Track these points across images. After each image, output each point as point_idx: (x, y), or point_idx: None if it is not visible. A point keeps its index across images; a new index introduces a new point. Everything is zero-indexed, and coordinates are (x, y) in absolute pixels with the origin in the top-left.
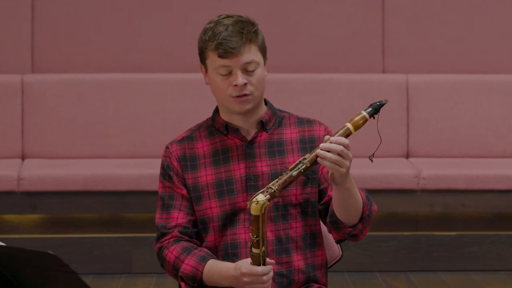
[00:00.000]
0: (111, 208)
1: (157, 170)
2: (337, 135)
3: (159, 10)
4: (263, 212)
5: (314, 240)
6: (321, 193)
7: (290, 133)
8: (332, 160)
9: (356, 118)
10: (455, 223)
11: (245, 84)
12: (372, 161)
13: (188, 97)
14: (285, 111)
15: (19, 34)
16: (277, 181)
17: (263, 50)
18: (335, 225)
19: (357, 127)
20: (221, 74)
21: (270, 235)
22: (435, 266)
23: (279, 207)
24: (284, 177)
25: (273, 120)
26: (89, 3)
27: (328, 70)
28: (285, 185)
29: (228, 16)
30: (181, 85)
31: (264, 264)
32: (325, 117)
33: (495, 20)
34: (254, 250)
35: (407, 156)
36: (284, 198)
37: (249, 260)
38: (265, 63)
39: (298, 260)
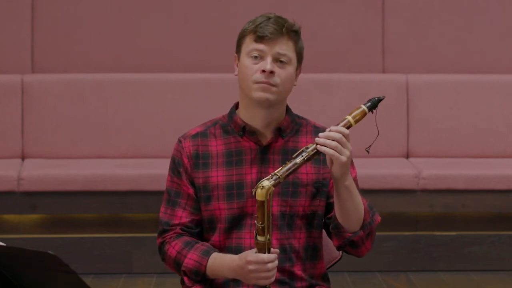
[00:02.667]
0: (111, 208)
1: (157, 170)
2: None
3: (159, 10)
4: (268, 197)
5: (315, 253)
6: (329, 206)
7: (306, 142)
8: (331, 146)
9: (356, 112)
10: (455, 223)
11: (272, 72)
12: (368, 152)
13: (188, 97)
14: (303, 118)
15: (19, 34)
16: (281, 169)
17: (299, 56)
18: (336, 229)
19: (356, 120)
20: (253, 57)
21: (275, 243)
22: (435, 266)
23: (286, 216)
24: (289, 164)
25: (291, 127)
26: (89, 3)
27: (328, 70)
28: (289, 172)
29: (273, 13)
30: (181, 85)
31: (269, 251)
32: (325, 117)
33: (495, 20)
34: (259, 237)
35: (407, 156)
36: (292, 208)
37: (254, 250)
38: (297, 71)
39: (299, 270)
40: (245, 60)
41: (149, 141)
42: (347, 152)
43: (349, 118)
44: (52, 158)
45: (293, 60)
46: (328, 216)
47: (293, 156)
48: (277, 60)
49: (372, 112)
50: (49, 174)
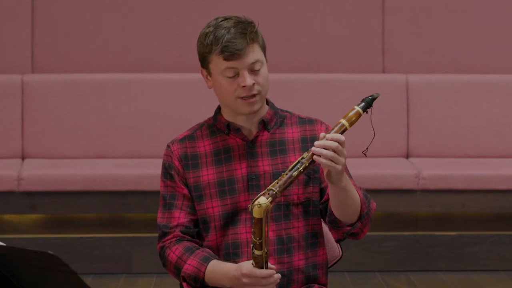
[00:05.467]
0: (111, 208)
1: (157, 170)
2: (332, 132)
3: (159, 10)
4: (265, 214)
5: (315, 240)
6: (322, 192)
7: (291, 133)
8: (327, 157)
9: (350, 114)
10: (455, 223)
11: (253, 84)
12: (365, 155)
13: (188, 97)
14: (286, 111)
15: (19, 34)
16: (277, 182)
17: (264, 49)
18: (334, 224)
19: (351, 122)
20: (228, 77)
21: (271, 235)
22: (435, 266)
23: (281, 207)
24: (284, 177)
25: (275, 119)
26: (89, 3)
27: (328, 70)
28: (286, 186)
29: (226, 19)
30: (181, 85)
31: (266, 265)
32: (325, 117)
33: (495, 20)
34: (256, 252)
35: (407, 156)
36: (286, 198)
37: (250, 261)
38: (266, 61)
39: (299, 260)
40: (221, 80)
41: (149, 141)
42: (342, 160)
43: (344, 121)
44: (52, 158)
45: (263, 59)
46: (322, 201)
47: (289, 168)
48: (252, 70)
49: (367, 112)
50: (49, 174)
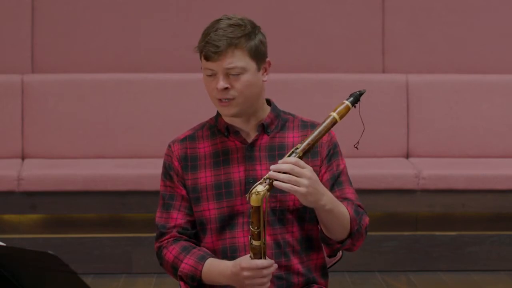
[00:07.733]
0: (111, 208)
1: (157, 170)
2: (323, 125)
3: (159, 10)
4: (263, 202)
5: (311, 244)
6: None
7: (292, 137)
8: (285, 180)
9: (340, 108)
10: (455, 223)
11: (227, 88)
12: (357, 148)
13: (188, 97)
14: (289, 114)
15: (19, 34)
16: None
17: (256, 55)
18: (324, 241)
19: (341, 116)
20: (207, 75)
21: (268, 239)
22: (435, 266)
23: (276, 212)
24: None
25: (276, 122)
26: (89, 3)
27: (328, 70)
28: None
29: (227, 18)
30: (181, 85)
31: (264, 256)
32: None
33: (495, 20)
34: (254, 242)
35: (407, 156)
36: (282, 203)
37: (248, 255)
38: (259, 68)
39: (296, 264)
40: (204, 77)
41: (149, 141)
42: (304, 182)
43: (334, 114)
44: (52, 158)
45: (248, 66)
46: None
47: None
48: (228, 74)
49: (355, 107)
50: (49, 174)
